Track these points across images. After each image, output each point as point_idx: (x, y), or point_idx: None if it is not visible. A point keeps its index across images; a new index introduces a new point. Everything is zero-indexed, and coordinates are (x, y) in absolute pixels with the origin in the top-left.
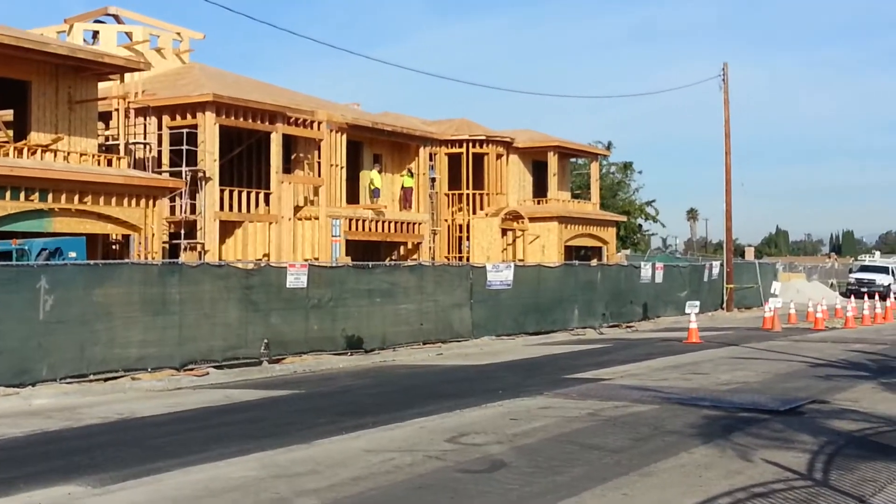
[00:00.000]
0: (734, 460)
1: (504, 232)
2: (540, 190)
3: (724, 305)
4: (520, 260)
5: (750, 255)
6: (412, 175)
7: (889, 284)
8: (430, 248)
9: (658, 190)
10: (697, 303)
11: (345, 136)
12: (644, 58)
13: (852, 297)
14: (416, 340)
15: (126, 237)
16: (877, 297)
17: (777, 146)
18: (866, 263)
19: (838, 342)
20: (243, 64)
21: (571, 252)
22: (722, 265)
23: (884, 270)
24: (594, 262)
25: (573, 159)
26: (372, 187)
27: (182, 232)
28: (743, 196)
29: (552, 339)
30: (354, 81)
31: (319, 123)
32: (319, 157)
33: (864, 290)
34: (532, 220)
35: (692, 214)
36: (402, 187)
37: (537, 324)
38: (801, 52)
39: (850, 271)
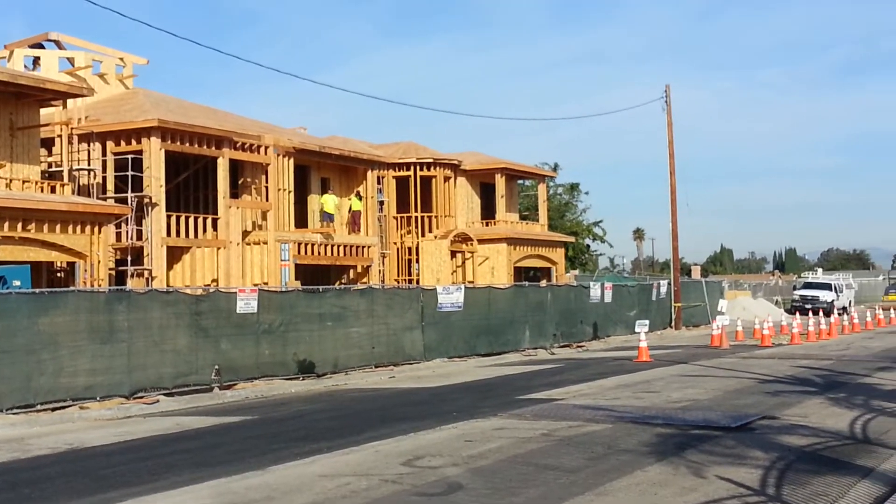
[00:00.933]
0: (688, 477)
1: (453, 254)
2: (488, 212)
3: (673, 324)
4: (469, 282)
5: (696, 273)
6: (360, 198)
7: (832, 301)
8: (379, 270)
9: (605, 210)
10: (647, 322)
11: (292, 161)
12: (588, 80)
13: (797, 313)
14: (368, 364)
15: (71, 264)
16: (821, 313)
17: (720, 166)
18: (809, 280)
19: (785, 358)
20: (189, 89)
21: (521, 273)
22: (669, 284)
23: (827, 287)
24: (544, 282)
25: (521, 181)
26: (323, 210)
27: (129, 258)
28: (688, 215)
29: (504, 360)
30: (301, 105)
31: (266, 148)
32: (267, 182)
33: (809, 306)
34: (481, 241)
35: (638, 234)
36: (350, 210)
37: (489, 345)
38: (742, 73)
39: (794, 288)
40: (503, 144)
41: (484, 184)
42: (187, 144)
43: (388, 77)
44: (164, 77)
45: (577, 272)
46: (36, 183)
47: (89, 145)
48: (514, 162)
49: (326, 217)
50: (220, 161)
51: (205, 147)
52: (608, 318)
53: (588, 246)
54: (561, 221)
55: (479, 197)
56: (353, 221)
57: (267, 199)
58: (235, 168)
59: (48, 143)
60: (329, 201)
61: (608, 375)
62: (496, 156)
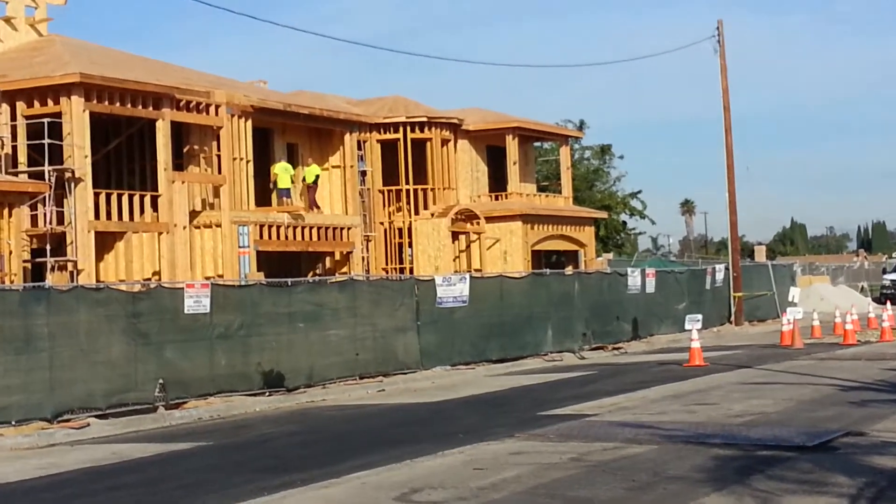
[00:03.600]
0: None
1: (455, 236)
2: (498, 182)
3: (732, 318)
4: (476, 270)
5: (761, 255)
6: (310, 165)
7: None
8: (363, 258)
9: (644, 178)
10: (699, 316)
11: (250, 123)
12: (618, 17)
13: (888, 303)
14: (351, 374)
15: None
16: None
17: (788, 122)
18: None
19: (874, 359)
20: (120, 40)
21: (540, 258)
22: (727, 269)
23: None
24: (569, 269)
25: (538, 143)
26: (278, 186)
27: (48, 247)
28: (749, 183)
29: (522, 367)
30: (262, 57)
31: (217, 107)
32: (219, 150)
33: None
34: (490, 219)
35: (687, 207)
36: (305, 183)
37: (502, 349)
38: (813, 5)
39: (884, 272)
40: (514, 99)
41: (492, 147)
42: (118, 104)
43: (367, 18)
44: (87, 23)
45: (611, 256)
46: None
47: None
48: (529, 120)
49: (283, 193)
50: (159, 124)
51: (140, 107)
52: (651, 313)
53: (624, 223)
54: (590, 193)
55: (485, 164)
56: (310, 198)
57: (219, 171)
58: (179, 133)
59: None
60: (283, 172)
61: (652, 384)
62: (506, 112)
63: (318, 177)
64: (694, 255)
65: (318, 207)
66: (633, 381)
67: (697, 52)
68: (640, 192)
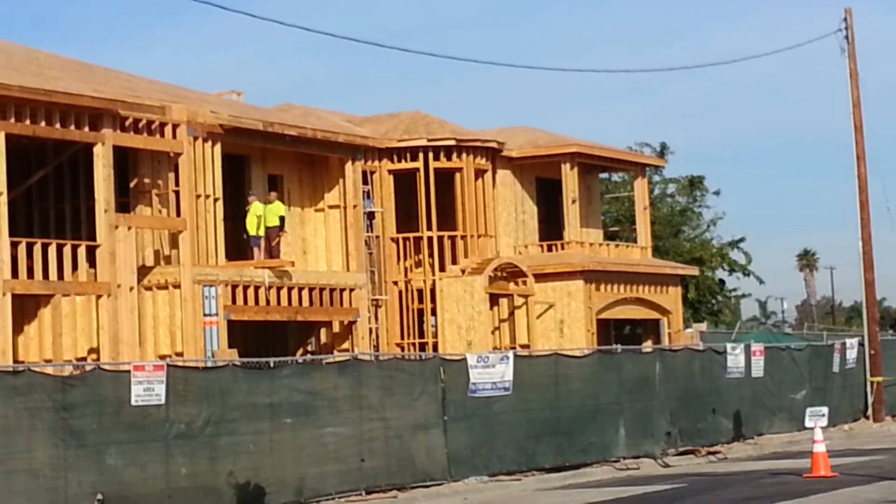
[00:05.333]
0: None
1: (494, 299)
2: (551, 228)
3: (869, 412)
4: (523, 346)
5: None
6: (273, 202)
7: None
8: (371, 330)
9: (749, 222)
10: (825, 409)
11: (219, 147)
12: (708, 12)
13: None
14: (354, 488)
15: None
16: None
17: None
18: None
19: None
20: (45, 38)
21: (609, 330)
22: (861, 345)
23: None
24: (648, 345)
25: (604, 175)
26: (251, 233)
27: None
28: (892, 228)
29: (584, 477)
30: (235, 62)
31: (175, 127)
32: (177, 184)
33: None
34: (540, 277)
35: (807, 261)
36: (265, 226)
37: (558, 453)
38: None
39: None
40: (570, 116)
41: (543, 181)
42: (43, 123)
43: (372, 8)
44: (2, 16)
45: (704, 327)
46: None
47: None
48: (592, 143)
49: (255, 242)
50: (98, 150)
51: (72, 127)
52: (759, 405)
53: (722, 282)
54: (675, 241)
55: (534, 203)
56: (268, 245)
57: (178, 213)
58: (125, 162)
59: None
60: (256, 215)
61: (763, 502)
62: (561, 133)
63: (282, 218)
64: (817, 326)
65: (274, 254)
66: (735, 498)
67: (818, 53)
68: (742, 239)
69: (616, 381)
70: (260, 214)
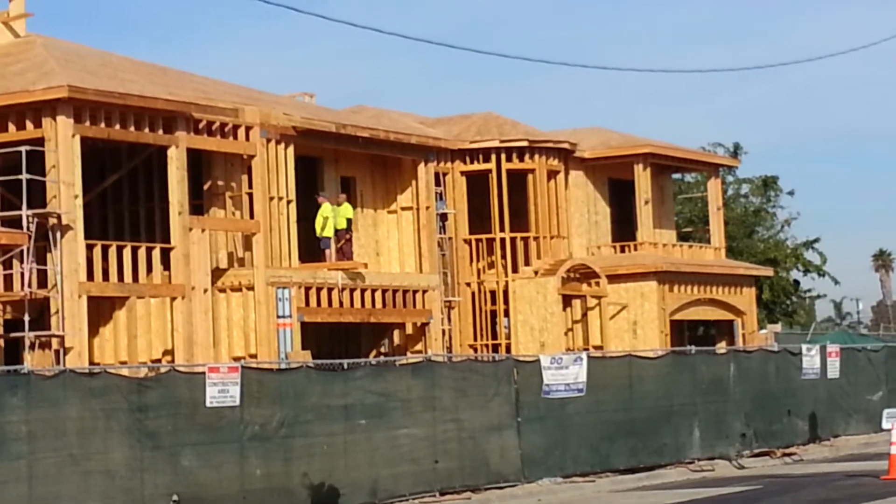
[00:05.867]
0: None
1: (567, 301)
2: (624, 228)
3: None
4: (596, 347)
5: None
6: (341, 205)
7: None
8: (444, 331)
9: (824, 222)
10: None
11: (292, 150)
12: (782, 10)
13: None
14: (428, 489)
15: None
16: None
17: None
18: None
19: None
20: (119, 37)
21: (682, 331)
22: None
23: None
24: (722, 346)
25: (677, 175)
26: (318, 234)
27: (26, 318)
28: None
29: (659, 478)
30: (307, 64)
31: (248, 129)
32: (251, 186)
33: None
34: (613, 278)
35: (883, 261)
36: (335, 230)
37: (632, 454)
38: None
39: None
40: (641, 117)
41: (615, 182)
42: (118, 126)
43: (447, 11)
44: (77, 18)
45: (779, 328)
46: None
47: None
48: (665, 143)
49: (325, 244)
50: (172, 153)
51: (147, 130)
52: (835, 406)
53: (797, 283)
54: (749, 242)
55: (607, 203)
56: (340, 247)
57: (252, 216)
58: (198, 164)
59: None
60: (323, 216)
61: None
62: (633, 133)
63: (350, 221)
64: (892, 327)
65: (347, 256)
66: (811, 500)
67: (894, 51)
68: (817, 240)
69: (690, 382)
70: (328, 216)
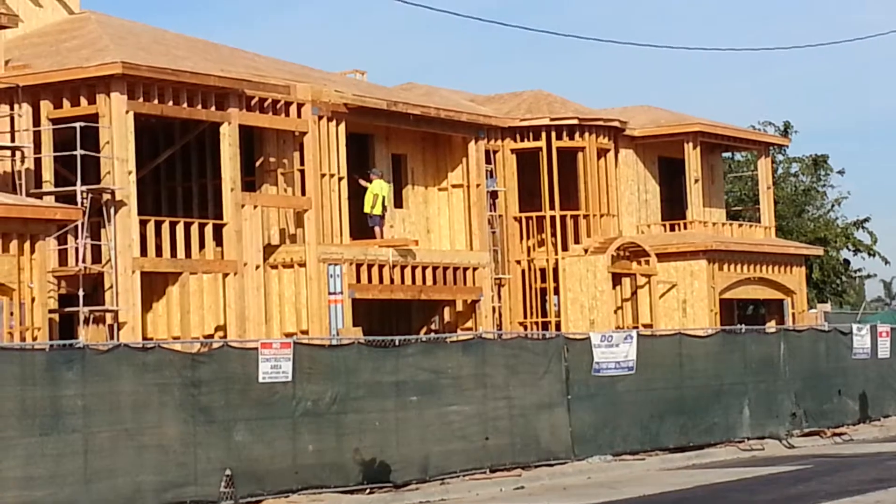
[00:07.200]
0: None
1: (617, 279)
2: (673, 207)
3: None
4: (645, 325)
5: None
6: (377, 179)
7: None
8: (494, 308)
9: (874, 202)
10: None
11: (343, 127)
12: None
13: None
14: (479, 466)
15: None
16: None
17: None
18: None
19: None
20: (172, 16)
21: (732, 309)
22: None
23: None
24: (772, 325)
25: (727, 154)
26: (372, 211)
27: (80, 293)
28: None
29: (709, 457)
30: (356, 40)
31: (300, 106)
32: (302, 163)
33: None
34: (662, 257)
35: None
36: (370, 211)
37: (682, 433)
38: None
39: None
40: (690, 94)
41: (665, 160)
42: (170, 103)
43: None
44: None
45: (829, 307)
46: None
47: (13, 107)
48: (714, 122)
49: (376, 221)
50: (224, 129)
51: (199, 106)
52: (886, 386)
53: (847, 262)
54: (799, 221)
55: (657, 182)
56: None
57: (303, 192)
58: (250, 140)
59: None
60: (373, 193)
61: (890, 484)
62: (683, 111)
63: (378, 198)
64: None
65: (380, 234)
66: (862, 479)
67: None
68: (867, 219)
69: (740, 361)
70: (377, 193)
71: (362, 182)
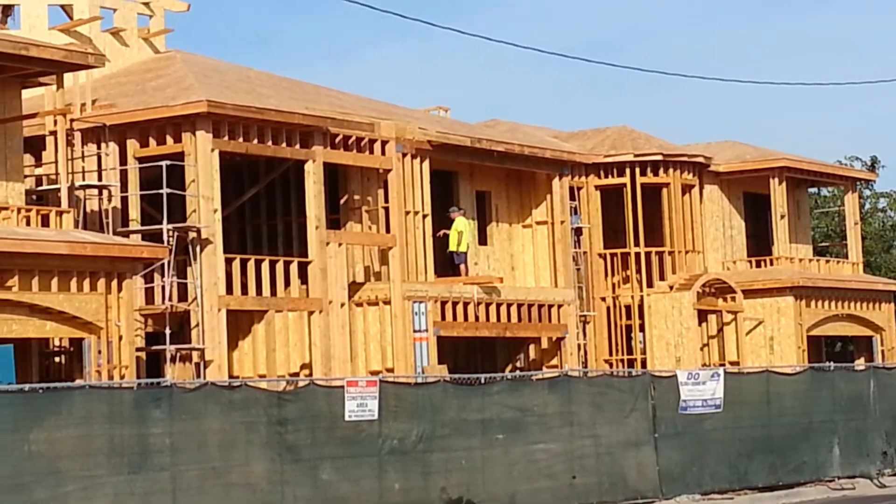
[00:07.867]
0: None
1: (703, 316)
2: (759, 243)
3: None
4: (732, 363)
5: None
6: (460, 215)
7: None
8: (579, 345)
9: None
10: None
11: (427, 164)
12: None
13: None
14: None
15: (76, 342)
16: None
17: None
18: None
19: None
20: (255, 52)
21: (820, 347)
22: None
23: None
24: (861, 362)
25: (813, 189)
26: (457, 249)
27: (167, 331)
28: None
29: (798, 497)
30: (439, 78)
31: (384, 143)
32: (387, 200)
33: None
34: (749, 293)
35: None
36: (454, 248)
37: (771, 472)
38: None
39: None
40: (775, 129)
41: (750, 195)
42: (255, 141)
43: (581, 23)
44: (214, 31)
45: None
46: (18, 210)
47: (100, 146)
48: (800, 157)
49: (461, 259)
50: (309, 167)
51: (284, 144)
52: None
53: None
54: (887, 257)
55: (742, 218)
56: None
57: (388, 230)
58: (334, 179)
59: (35, 145)
60: (457, 230)
61: None
62: (768, 146)
63: (460, 234)
64: None
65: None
66: None
67: None
68: None
69: (829, 398)
70: (460, 230)
71: (444, 233)
